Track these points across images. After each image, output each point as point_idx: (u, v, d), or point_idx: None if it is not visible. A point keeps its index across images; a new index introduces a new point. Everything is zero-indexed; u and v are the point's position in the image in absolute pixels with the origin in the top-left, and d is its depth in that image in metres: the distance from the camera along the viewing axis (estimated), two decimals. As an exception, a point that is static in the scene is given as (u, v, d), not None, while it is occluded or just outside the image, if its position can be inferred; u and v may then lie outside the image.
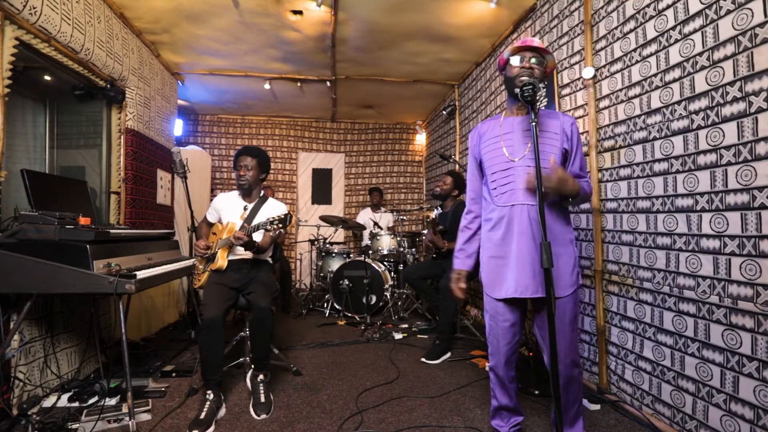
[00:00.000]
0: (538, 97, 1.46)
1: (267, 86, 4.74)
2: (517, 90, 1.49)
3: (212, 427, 1.95)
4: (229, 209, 2.56)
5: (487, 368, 2.75)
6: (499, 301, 1.66)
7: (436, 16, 3.28)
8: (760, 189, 1.52)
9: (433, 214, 3.47)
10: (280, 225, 2.16)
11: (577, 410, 1.72)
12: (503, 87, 3.63)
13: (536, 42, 1.64)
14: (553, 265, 1.40)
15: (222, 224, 2.55)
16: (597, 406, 2.17)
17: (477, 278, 4.45)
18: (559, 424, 1.37)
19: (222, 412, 2.11)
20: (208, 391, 2.10)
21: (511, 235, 1.61)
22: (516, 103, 1.69)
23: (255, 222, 2.39)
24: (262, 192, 2.62)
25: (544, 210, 1.46)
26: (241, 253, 2.48)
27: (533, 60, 1.61)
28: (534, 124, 1.44)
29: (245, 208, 2.54)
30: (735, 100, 1.61)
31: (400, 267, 4.37)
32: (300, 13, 3.21)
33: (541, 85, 1.48)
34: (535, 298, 1.61)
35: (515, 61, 1.64)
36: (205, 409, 2.00)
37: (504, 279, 1.63)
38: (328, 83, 4.70)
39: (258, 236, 2.45)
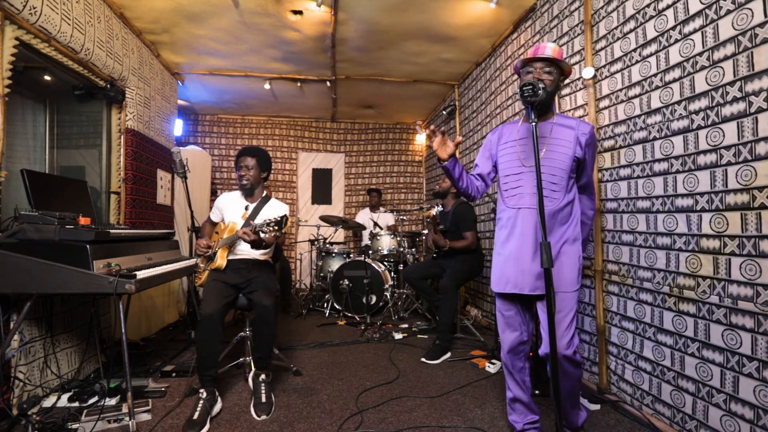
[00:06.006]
0: (540, 100, 1.48)
1: (267, 86, 4.74)
2: (519, 91, 1.51)
3: (207, 426, 1.94)
4: (231, 209, 2.57)
5: (486, 366, 2.76)
6: (502, 295, 1.78)
7: (436, 16, 3.28)
8: (760, 189, 1.52)
9: (434, 211, 3.46)
10: (276, 227, 2.16)
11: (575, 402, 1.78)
12: (503, 87, 3.65)
13: (548, 51, 1.64)
14: (553, 265, 1.43)
15: (224, 224, 2.56)
16: (597, 406, 2.17)
17: (476, 278, 4.42)
18: (559, 423, 1.37)
19: (217, 408, 2.10)
20: (201, 390, 2.08)
21: (514, 236, 1.71)
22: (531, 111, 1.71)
23: (254, 222, 2.39)
24: (264, 192, 2.63)
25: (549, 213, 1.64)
26: (241, 253, 2.48)
27: (545, 71, 1.64)
28: (534, 124, 1.45)
29: (246, 208, 2.55)
30: (735, 100, 1.61)
31: (400, 267, 4.38)
32: (300, 13, 3.21)
33: (540, 88, 1.48)
34: (537, 295, 1.70)
35: (526, 71, 1.68)
36: (199, 409, 1.99)
37: (504, 275, 1.74)
38: (328, 83, 4.70)
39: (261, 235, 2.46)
